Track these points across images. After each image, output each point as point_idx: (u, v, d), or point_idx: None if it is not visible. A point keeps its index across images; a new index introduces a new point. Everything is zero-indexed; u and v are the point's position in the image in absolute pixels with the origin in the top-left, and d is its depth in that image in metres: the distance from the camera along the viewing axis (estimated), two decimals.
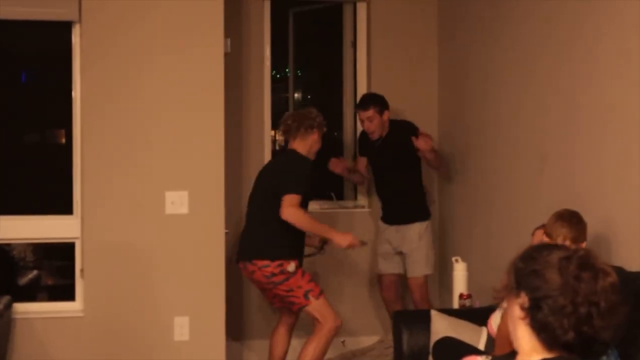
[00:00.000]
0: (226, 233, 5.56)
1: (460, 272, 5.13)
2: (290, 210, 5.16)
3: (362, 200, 6.80)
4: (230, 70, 5.94)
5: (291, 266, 5.25)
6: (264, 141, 6.49)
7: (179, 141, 5.43)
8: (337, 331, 5.36)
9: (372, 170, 6.36)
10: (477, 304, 4.98)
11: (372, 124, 6.10)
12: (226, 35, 5.61)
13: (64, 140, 5.87)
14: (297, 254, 5.36)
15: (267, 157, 6.44)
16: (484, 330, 4.33)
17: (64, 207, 5.46)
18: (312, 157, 5.49)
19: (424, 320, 4.62)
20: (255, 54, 6.43)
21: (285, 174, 5.30)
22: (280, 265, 5.25)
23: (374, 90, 6.44)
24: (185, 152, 5.44)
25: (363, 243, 5.58)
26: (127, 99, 5.40)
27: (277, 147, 7.44)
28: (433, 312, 4.67)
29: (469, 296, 4.99)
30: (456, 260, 5.17)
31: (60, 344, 5.35)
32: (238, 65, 6.33)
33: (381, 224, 6.34)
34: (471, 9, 6.08)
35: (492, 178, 5.79)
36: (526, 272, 2.03)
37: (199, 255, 5.47)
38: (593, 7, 4.52)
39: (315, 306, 5.27)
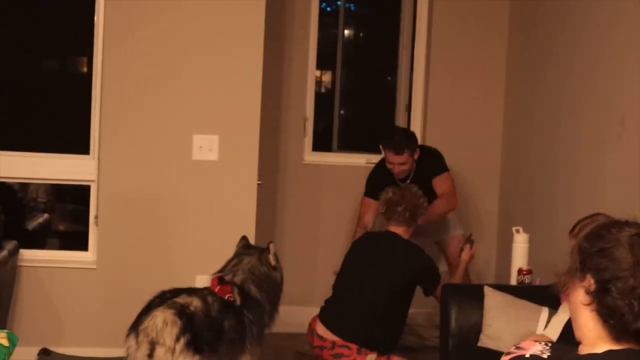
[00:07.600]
0: (258, 184, 5.32)
1: (520, 245, 4.81)
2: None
3: None
4: (272, 1, 5.61)
5: (371, 357, 4.73)
6: (307, 82, 6.21)
7: (210, 78, 5.19)
8: None
9: None
10: (538, 281, 4.65)
11: (403, 167, 5.47)
12: None
13: (85, 70, 5.41)
14: (391, 350, 4.84)
15: (310, 100, 6.21)
16: (544, 310, 4.12)
17: (79, 145, 5.27)
18: None
19: (476, 296, 4.40)
20: None
21: (423, 276, 4.80)
22: (367, 353, 4.72)
23: (434, 40, 6.12)
24: (217, 91, 5.20)
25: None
26: (154, 28, 5.17)
27: (323, 90, 7.13)
28: (486, 288, 4.44)
29: (529, 272, 4.69)
30: (517, 231, 4.85)
31: (69, 296, 5.24)
32: None
33: None
34: None
35: (558, 143, 5.42)
36: (592, 252, 1.95)
37: (227, 208, 5.27)
38: None
39: None
